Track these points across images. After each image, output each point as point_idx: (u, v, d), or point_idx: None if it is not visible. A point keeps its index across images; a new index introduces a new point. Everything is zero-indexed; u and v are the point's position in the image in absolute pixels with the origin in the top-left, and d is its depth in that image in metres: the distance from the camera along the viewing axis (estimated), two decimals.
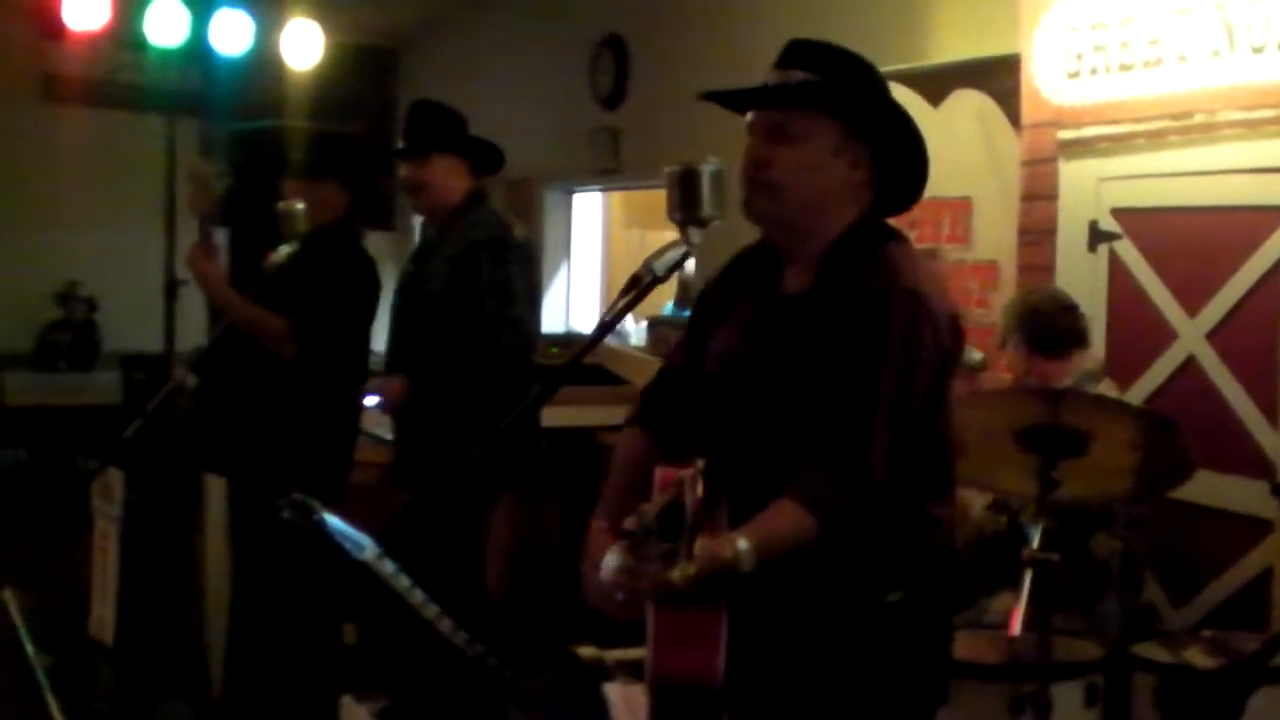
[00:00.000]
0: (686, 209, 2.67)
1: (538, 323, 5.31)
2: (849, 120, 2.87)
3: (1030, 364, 4.58)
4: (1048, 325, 4.57)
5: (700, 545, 2.58)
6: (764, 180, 2.86)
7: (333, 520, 2.19)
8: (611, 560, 2.71)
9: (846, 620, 2.79)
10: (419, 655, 4.48)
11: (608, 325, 2.72)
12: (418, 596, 2.21)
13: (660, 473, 2.80)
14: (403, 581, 2.19)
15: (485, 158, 5.26)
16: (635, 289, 2.66)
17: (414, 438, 5.15)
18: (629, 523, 2.70)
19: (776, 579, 2.68)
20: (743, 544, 2.59)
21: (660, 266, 2.65)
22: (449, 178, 5.14)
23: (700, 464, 2.69)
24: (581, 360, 2.81)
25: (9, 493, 9.56)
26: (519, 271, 5.07)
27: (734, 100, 2.97)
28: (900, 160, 2.94)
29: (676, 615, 2.61)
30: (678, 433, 3.01)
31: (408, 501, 2.78)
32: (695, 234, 2.67)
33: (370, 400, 5.02)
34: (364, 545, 2.17)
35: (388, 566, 2.18)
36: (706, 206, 2.67)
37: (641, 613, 2.66)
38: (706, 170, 2.67)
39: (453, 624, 2.24)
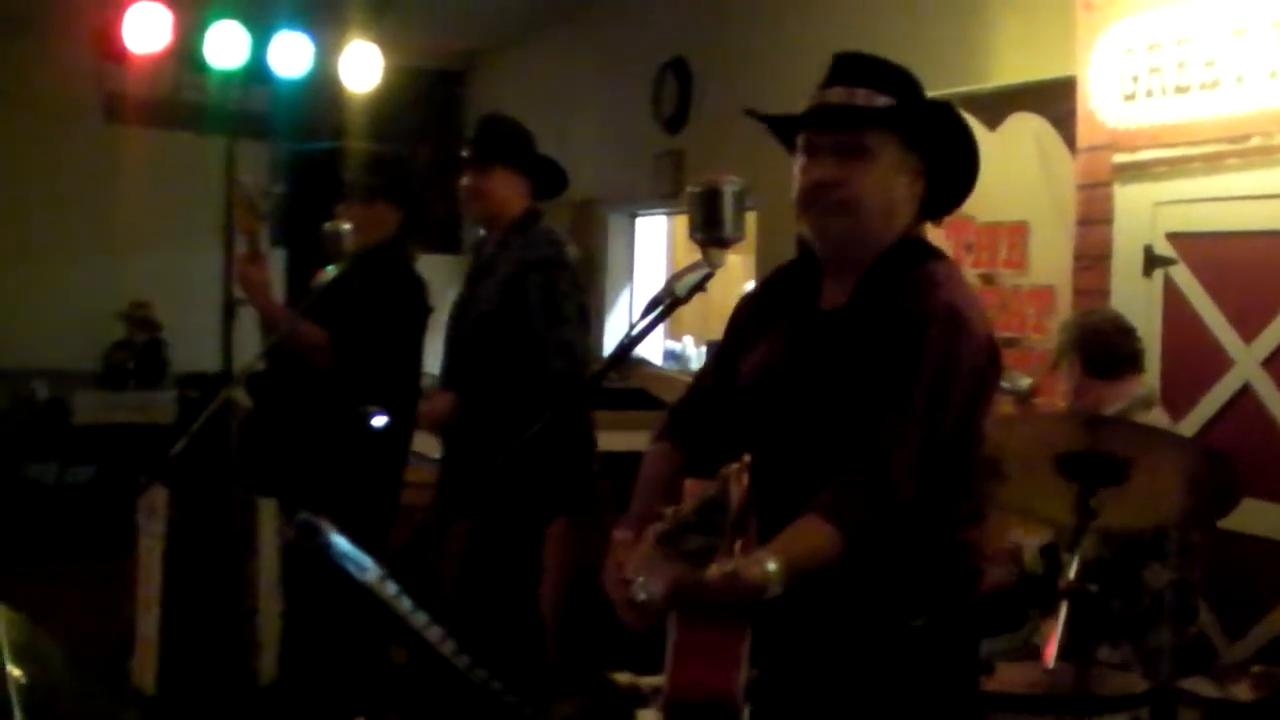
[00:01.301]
0: (709, 229, 2.63)
1: (590, 344, 5.27)
2: (907, 135, 2.85)
3: (1084, 385, 4.52)
4: (1103, 347, 4.51)
5: (737, 553, 2.53)
6: (833, 202, 2.83)
7: (339, 541, 2.16)
8: (641, 557, 2.66)
9: (870, 644, 2.75)
10: (428, 678, 4.47)
11: (628, 347, 2.69)
12: (421, 619, 2.18)
13: (690, 484, 2.76)
14: (405, 604, 2.16)
15: (548, 178, 5.24)
16: (656, 310, 2.63)
17: (461, 458, 5.14)
18: (663, 520, 2.66)
19: (800, 600, 2.64)
20: (772, 566, 2.53)
21: (681, 288, 2.62)
22: (508, 191, 5.13)
23: (746, 459, 2.64)
24: (603, 381, 2.77)
25: (77, 510, 9.65)
26: (570, 292, 5.04)
27: (810, 123, 2.92)
28: (951, 167, 2.92)
29: (698, 631, 2.56)
30: (707, 448, 2.97)
31: (430, 520, 2.75)
32: (717, 254, 2.63)
33: (378, 420, 5.00)
34: (367, 567, 2.13)
35: (390, 589, 2.14)
36: (729, 227, 2.63)
37: (662, 619, 2.62)
38: (729, 190, 2.62)
39: (456, 648, 2.20)
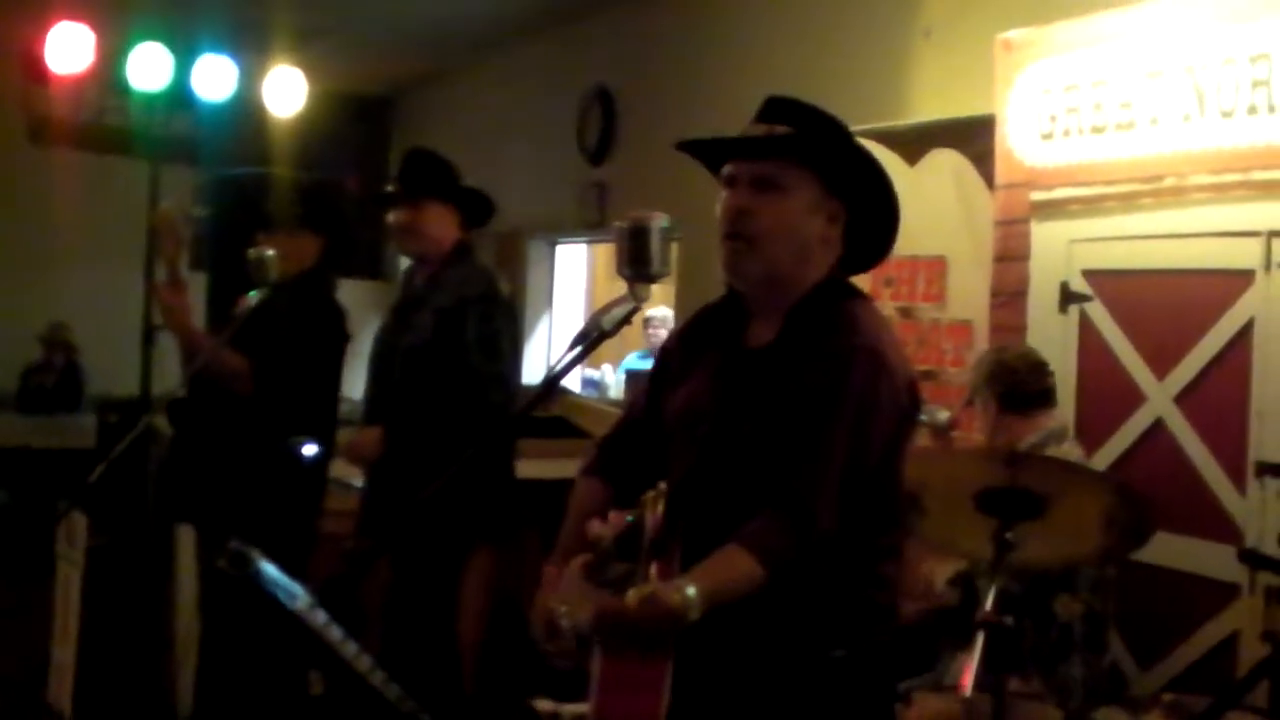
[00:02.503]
0: (635, 264, 2.67)
1: (519, 376, 5.30)
2: (827, 176, 2.88)
3: (999, 421, 4.58)
4: (1016, 383, 4.57)
5: (653, 578, 2.58)
6: (744, 233, 2.86)
7: (269, 569, 2.17)
8: (565, 588, 2.70)
9: (790, 675, 2.78)
10: (345, 708, 4.47)
11: (554, 379, 2.71)
12: (350, 649, 2.19)
13: (614, 515, 2.80)
14: (335, 633, 2.17)
15: (476, 209, 5.26)
16: (583, 344, 2.66)
17: (387, 488, 5.12)
18: (589, 539, 2.69)
19: (722, 630, 2.68)
20: (691, 591, 2.57)
21: (608, 322, 2.65)
22: (439, 225, 5.15)
23: (662, 486, 2.68)
24: (531, 414, 2.80)
25: None
26: (505, 327, 5.08)
27: (719, 149, 2.97)
28: (873, 218, 2.95)
29: (622, 661, 2.60)
30: (635, 483, 3.01)
31: (357, 550, 2.77)
32: (643, 290, 2.67)
33: (309, 449, 5.00)
34: (297, 595, 2.14)
35: (320, 617, 2.16)
36: (655, 262, 2.67)
37: (586, 660, 2.65)
38: (656, 226, 2.66)
39: (385, 677, 2.22)
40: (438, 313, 5.04)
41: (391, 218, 5.20)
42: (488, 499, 5.07)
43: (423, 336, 5.05)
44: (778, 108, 2.94)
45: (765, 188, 2.86)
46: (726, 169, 2.94)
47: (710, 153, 2.99)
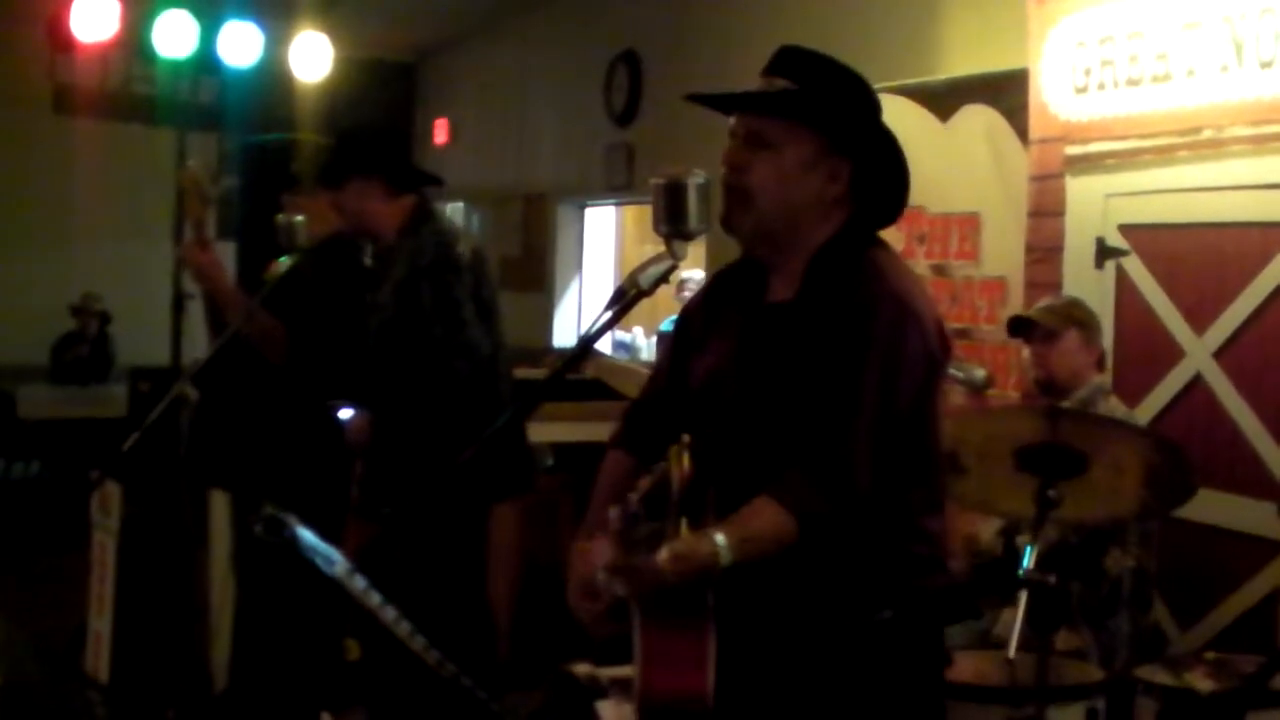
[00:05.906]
0: (672, 222, 2.63)
1: (496, 340, 5.09)
2: (827, 133, 2.82)
3: (1090, 358, 4.52)
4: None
5: (684, 532, 2.56)
6: (737, 186, 2.82)
7: (305, 535, 2.15)
8: (599, 558, 2.68)
9: (837, 639, 2.75)
10: (396, 673, 4.46)
11: (591, 339, 2.68)
12: (389, 614, 2.17)
13: (643, 481, 2.78)
14: (373, 598, 2.15)
15: (401, 173, 5.03)
16: (620, 303, 2.62)
17: (378, 468, 5.04)
18: (613, 512, 2.68)
19: (767, 595, 2.65)
20: (720, 538, 2.57)
21: (646, 280, 2.61)
22: (366, 201, 4.93)
23: (686, 439, 2.65)
24: (566, 375, 2.76)
25: (22, 506, 9.55)
26: (465, 291, 4.88)
27: (715, 104, 2.93)
28: (881, 176, 2.88)
29: (665, 634, 2.58)
30: (661, 454, 2.99)
31: (388, 516, 2.74)
32: (681, 247, 2.63)
33: (345, 413, 4.95)
34: (335, 560, 2.13)
35: (358, 583, 2.14)
36: (693, 220, 2.62)
37: (625, 628, 2.63)
38: (693, 183, 2.62)
39: (426, 643, 2.20)
40: (395, 287, 4.91)
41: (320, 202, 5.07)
42: (497, 454, 4.97)
43: (385, 314, 4.95)
44: (786, 59, 2.88)
45: (757, 144, 2.82)
46: (731, 121, 2.90)
47: (717, 105, 2.95)
